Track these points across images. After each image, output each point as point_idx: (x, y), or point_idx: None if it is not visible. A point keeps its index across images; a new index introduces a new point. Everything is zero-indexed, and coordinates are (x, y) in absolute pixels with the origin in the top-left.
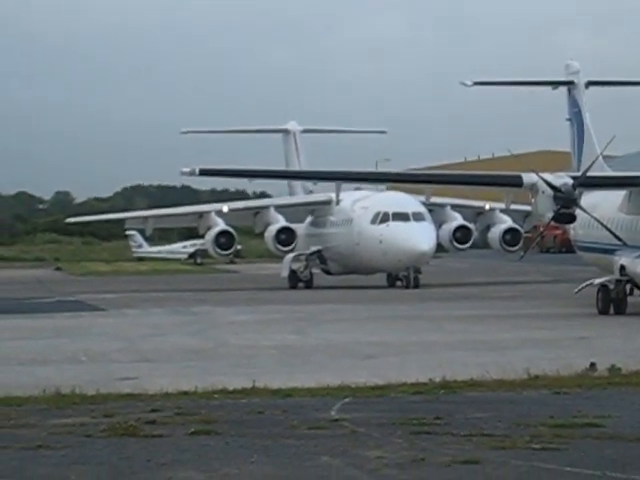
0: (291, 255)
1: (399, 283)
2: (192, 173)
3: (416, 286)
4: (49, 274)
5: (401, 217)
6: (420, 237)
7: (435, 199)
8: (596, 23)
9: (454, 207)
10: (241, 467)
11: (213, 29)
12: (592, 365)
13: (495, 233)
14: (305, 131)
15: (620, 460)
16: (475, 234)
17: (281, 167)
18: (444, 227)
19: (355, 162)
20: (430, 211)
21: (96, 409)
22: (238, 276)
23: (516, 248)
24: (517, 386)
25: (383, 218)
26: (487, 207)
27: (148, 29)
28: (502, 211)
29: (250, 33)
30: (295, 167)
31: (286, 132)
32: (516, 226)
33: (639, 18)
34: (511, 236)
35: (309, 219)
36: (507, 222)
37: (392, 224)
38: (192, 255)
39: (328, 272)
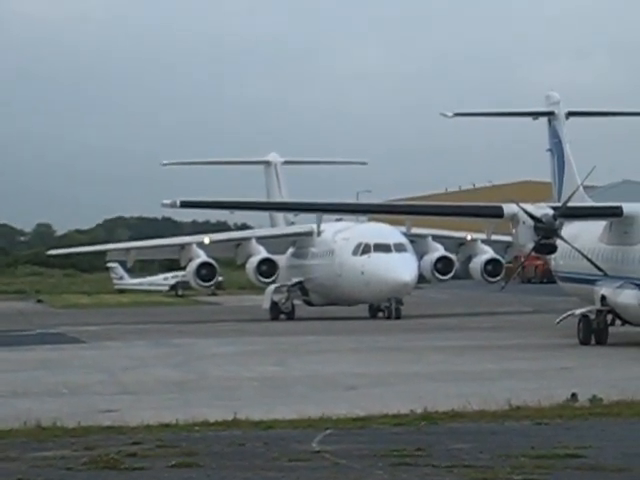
0: (273, 286)
1: (381, 314)
2: (173, 205)
3: (398, 317)
4: (30, 307)
5: (383, 248)
6: (402, 268)
7: (417, 230)
8: (574, 55)
9: (435, 238)
10: None
11: (195, 60)
12: (573, 395)
13: (477, 263)
14: (286, 162)
15: None
16: (457, 265)
17: (262, 198)
18: (426, 258)
19: (336, 193)
20: (412, 242)
21: (77, 442)
22: (219, 308)
23: (497, 278)
24: (498, 417)
25: (365, 249)
26: (469, 238)
27: (131, 59)
28: (483, 242)
29: (229, 64)
30: (276, 198)
31: (267, 164)
32: (497, 257)
33: (617, 49)
34: (492, 266)
35: (291, 250)
36: (488, 253)
37: (374, 255)
38: (173, 287)
39: (310, 303)
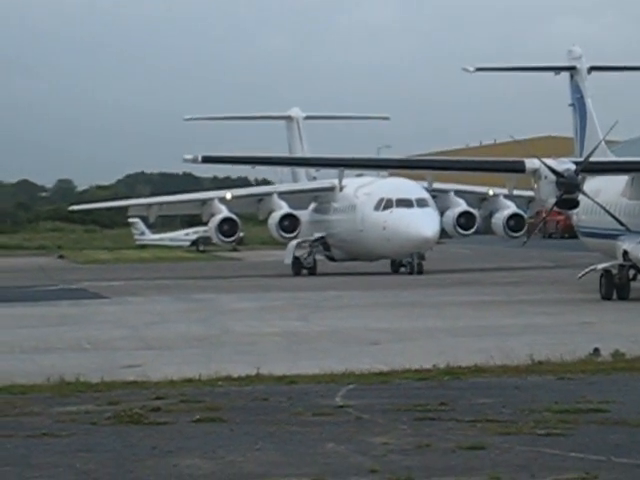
0: (294, 242)
1: (403, 269)
2: (195, 160)
3: (420, 272)
4: (52, 262)
5: (404, 203)
6: (424, 223)
7: (438, 185)
8: (590, 10)
9: (457, 193)
10: (246, 454)
11: (213, 17)
12: (596, 350)
13: (499, 219)
14: (308, 117)
15: (624, 445)
16: (479, 220)
17: (284, 154)
18: (448, 213)
19: (357, 148)
20: (434, 197)
21: (100, 397)
22: (241, 263)
23: (520, 234)
24: (521, 372)
25: (387, 204)
26: (491, 193)
27: (150, 17)
28: (505, 197)
29: (248, 20)
30: (298, 153)
31: (289, 119)
32: (520, 212)
33: (632, 3)
34: (515, 222)
35: (312, 206)
36: (511, 208)
37: (395, 210)
38: (194, 242)
39: (332, 259)
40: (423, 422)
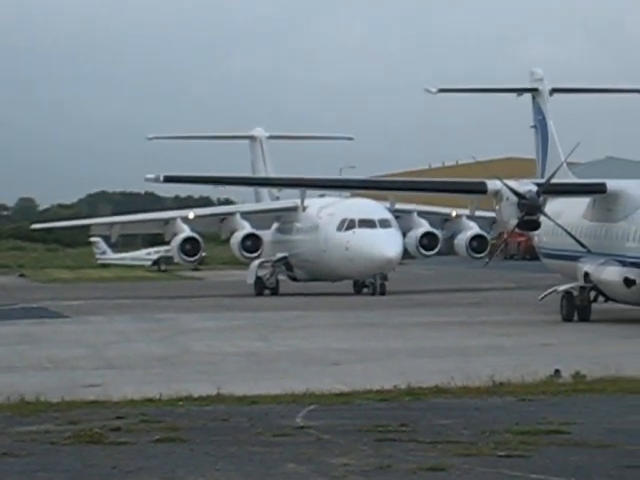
0: (257, 262)
1: (365, 290)
2: (157, 180)
3: (382, 293)
4: (12, 281)
5: (367, 224)
6: (386, 244)
7: (401, 205)
8: (553, 33)
9: (421, 213)
10: (206, 474)
11: (179, 35)
12: (556, 372)
13: (462, 240)
14: (271, 137)
15: (585, 467)
16: (441, 240)
17: (247, 173)
18: (410, 234)
19: (321, 169)
20: (397, 217)
21: (61, 416)
22: (203, 283)
23: (482, 255)
24: (482, 393)
25: (349, 225)
26: (454, 214)
27: (118, 30)
28: (468, 218)
29: (214, 40)
30: (262, 173)
31: (252, 138)
32: (482, 233)
33: (594, 27)
34: (478, 243)
35: (275, 226)
36: (473, 229)
37: (358, 231)
38: (156, 262)
39: (294, 279)
40: (384, 443)
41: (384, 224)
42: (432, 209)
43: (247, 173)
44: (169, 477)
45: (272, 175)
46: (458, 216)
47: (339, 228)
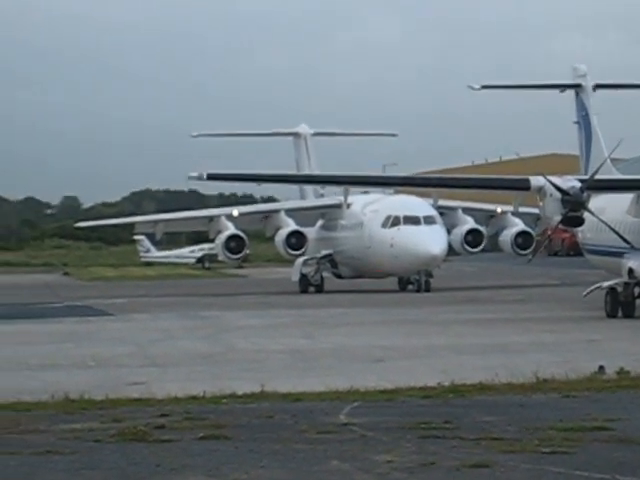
0: (302, 259)
1: (410, 287)
2: (200, 178)
3: (427, 290)
4: (57, 279)
5: (412, 221)
6: (431, 241)
7: (446, 202)
8: (593, 27)
9: (465, 210)
10: (250, 472)
11: (223, 31)
12: (601, 368)
13: (507, 236)
14: (316, 134)
15: (629, 463)
16: (486, 237)
17: (291, 171)
18: (455, 231)
19: (364, 165)
20: (441, 214)
21: (105, 414)
22: (247, 280)
23: (528, 251)
24: (526, 390)
25: (394, 222)
26: (499, 210)
27: (157, 31)
28: (514, 214)
29: (258, 35)
30: (306, 170)
31: (297, 135)
32: (528, 229)
33: (635, 21)
34: (523, 239)
35: (320, 223)
36: (519, 225)
37: (403, 228)
38: (200, 260)
39: (339, 276)
40: (427, 440)
41: (429, 221)
42: (477, 206)
43: (291, 171)
44: (213, 474)
45: (316, 172)
46: (503, 212)
47: (384, 225)
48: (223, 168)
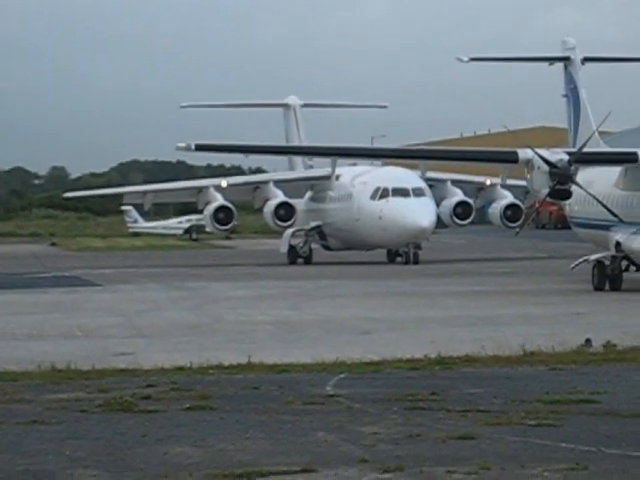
0: (290, 230)
1: (399, 259)
2: (188, 148)
3: (416, 262)
4: (44, 249)
5: (401, 192)
6: (420, 213)
7: (436, 174)
8: (587, 1)
9: (454, 182)
10: (236, 442)
11: (210, 3)
12: (587, 341)
13: (496, 209)
14: (305, 105)
15: (615, 436)
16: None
17: (281, 143)
18: (444, 203)
19: (352, 137)
20: (431, 186)
21: (91, 384)
22: (234, 252)
23: (517, 224)
24: (513, 362)
25: (383, 193)
26: (488, 182)
27: (146, 1)
28: (503, 186)
29: (245, 8)
30: (295, 142)
31: (286, 106)
32: (517, 202)
33: None
34: (512, 212)
35: (309, 194)
36: (508, 198)
37: (392, 199)
38: (187, 230)
39: (328, 248)
40: (414, 412)
41: (418, 193)
42: (466, 178)
43: (280, 142)
44: (199, 445)
45: (305, 144)
46: (492, 185)
47: (372, 197)
48: (212, 140)
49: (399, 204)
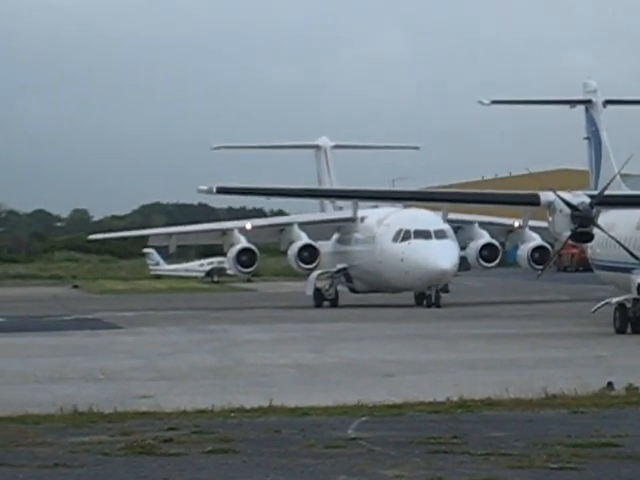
0: (316, 273)
1: (426, 302)
2: (209, 191)
3: (438, 305)
4: (66, 292)
5: (423, 235)
6: (441, 255)
7: (463, 216)
8: (600, 43)
9: (482, 224)
10: None
11: (239, 45)
12: (609, 384)
13: (524, 251)
14: (336, 147)
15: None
16: (501, 252)
17: (312, 184)
18: (471, 245)
19: (376, 180)
20: (458, 228)
21: (113, 427)
22: (256, 294)
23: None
24: (534, 405)
25: (405, 236)
26: (517, 224)
27: (169, 44)
28: (531, 229)
29: (275, 49)
30: (326, 183)
31: (317, 148)
32: (545, 244)
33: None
34: (539, 254)
35: (335, 236)
36: (536, 240)
37: (414, 242)
38: (209, 273)
39: (354, 290)
40: (436, 455)
41: (439, 235)
42: (494, 220)
43: (312, 184)
44: None
45: (335, 185)
46: (521, 227)
47: (395, 239)
48: (238, 182)
49: (421, 246)
